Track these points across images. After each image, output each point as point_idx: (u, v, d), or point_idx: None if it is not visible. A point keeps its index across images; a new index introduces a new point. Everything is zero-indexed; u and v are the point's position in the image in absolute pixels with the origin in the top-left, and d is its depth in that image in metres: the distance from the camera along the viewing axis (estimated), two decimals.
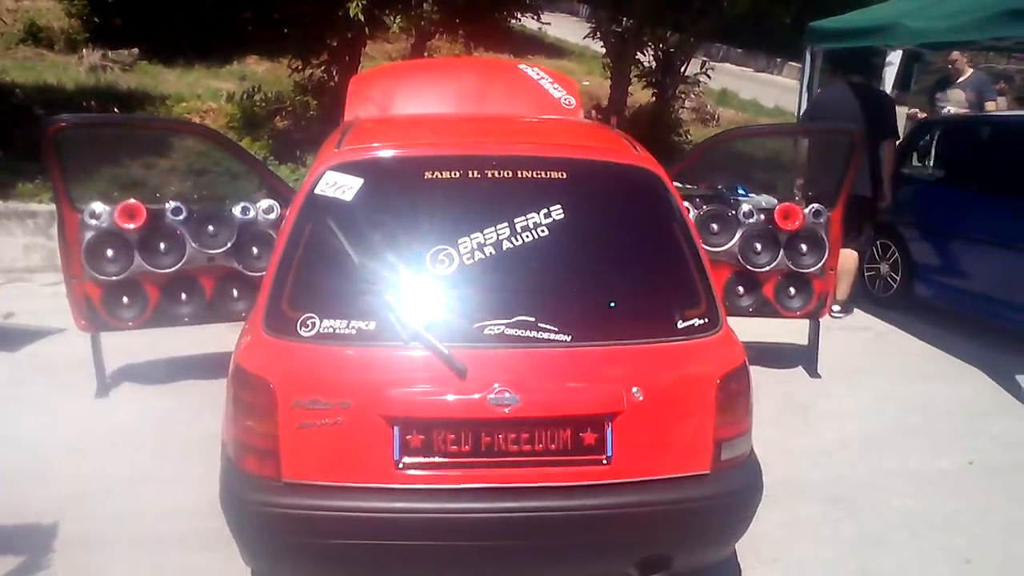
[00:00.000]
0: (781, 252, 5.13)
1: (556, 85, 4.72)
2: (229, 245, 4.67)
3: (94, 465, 4.05)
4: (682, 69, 11.67)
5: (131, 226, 4.52)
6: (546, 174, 2.96)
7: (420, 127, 3.75)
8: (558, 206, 2.85)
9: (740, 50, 22.93)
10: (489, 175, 2.93)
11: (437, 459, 2.60)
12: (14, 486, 3.83)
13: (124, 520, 3.61)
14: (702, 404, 2.74)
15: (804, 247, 5.16)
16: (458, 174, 2.92)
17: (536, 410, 2.61)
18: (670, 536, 2.77)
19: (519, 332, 2.66)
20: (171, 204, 4.66)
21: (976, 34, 6.45)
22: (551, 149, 3.22)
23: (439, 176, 2.91)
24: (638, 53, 11.37)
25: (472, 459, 2.61)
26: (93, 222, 4.51)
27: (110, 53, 12.14)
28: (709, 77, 12.23)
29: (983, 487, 4.15)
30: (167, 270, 4.61)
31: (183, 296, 4.71)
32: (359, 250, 2.72)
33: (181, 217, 4.63)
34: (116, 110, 9.50)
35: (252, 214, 4.72)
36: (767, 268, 5.13)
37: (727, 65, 20.27)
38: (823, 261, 5.15)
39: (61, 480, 3.91)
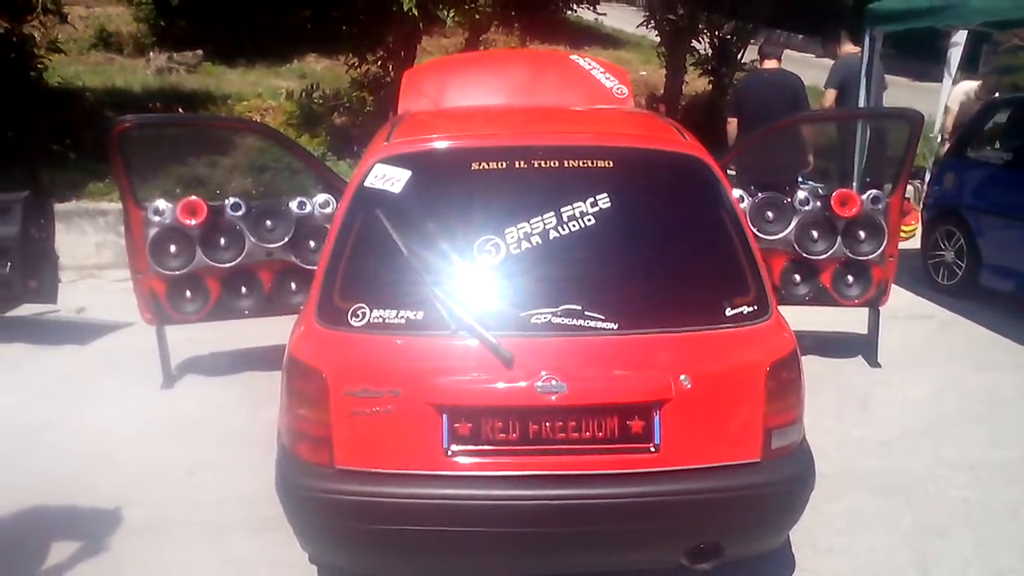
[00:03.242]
0: (839, 239, 5.04)
1: (608, 75, 4.71)
2: (287, 239, 4.78)
3: (159, 453, 4.19)
4: (739, 56, 11.49)
5: (192, 222, 4.66)
6: (593, 163, 2.97)
7: (468, 119, 3.78)
8: (605, 195, 2.85)
9: (801, 36, 22.42)
10: (536, 165, 2.95)
11: (485, 447, 2.64)
12: (84, 472, 4.00)
13: (186, 506, 3.73)
14: (751, 392, 2.72)
15: (862, 234, 5.07)
16: (505, 165, 2.95)
17: (583, 398, 2.63)
18: (720, 524, 2.75)
19: (566, 320, 2.67)
20: (230, 200, 4.80)
21: None
22: (598, 138, 3.22)
23: (486, 167, 2.94)
24: (693, 41, 11.23)
25: (520, 447, 2.64)
26: (156, 219, 4.66)
27: (175, 55, 12.47)
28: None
29: None
30: (227, 264, 4.74)
31: (243, 290, 4.85)
32: (408, 241, 2.76)
33: (240, 213, 4.76)
34: (180, 110, 9.75)
35: (308, 209, 4.83)
36: (824, 256, 5.05)
37: (789, 52, 19.81)
38: (882, 248, 5.05)
39: (127, 467, 4.06)
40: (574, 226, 2.80)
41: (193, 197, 4.75)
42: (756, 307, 2.82)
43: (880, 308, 5.34)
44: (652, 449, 2.66)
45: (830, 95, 7.86)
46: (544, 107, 4.13)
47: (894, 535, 3.55)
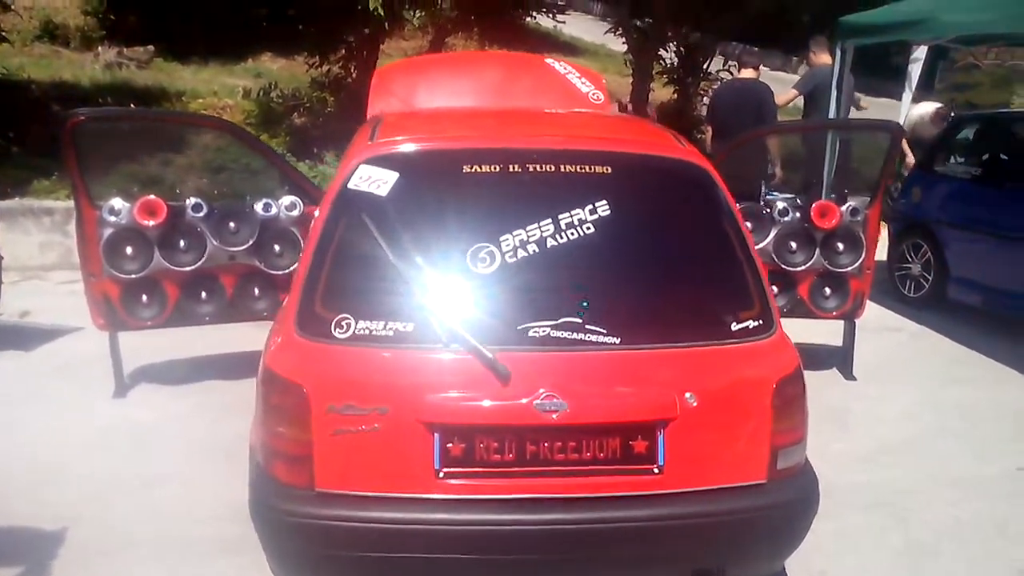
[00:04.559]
0: (817, 251, 4.98)
1: (584, 79, 4.61)
2: (251, 243, 4.55)
3: (110, 466, 3.94)
4: (705, 66, 11.52)
5: (151, 223, 4.41)
6: (591, 168, 2.81)
7: (454, 120, 3.61)
8: (604, 202, 2.71)
9: (756, 48, 22.69)
10: (531, 169, 2.78)
11: (479, 468, 2.47)
12: (30, 487, 3.73)
13: (142, 524, 3.50)
14: (758, 410, 2.60)
15: (841, 246, 5.01)
16: (498, 168, 2.78)
17: (585, 416, 2.48)
18: (724, 549, 2.63)
19: (566, 334, 2.52)
20: (191, 200, 4.55)
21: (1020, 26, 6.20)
22: (595, 142, 3.07)
23: (479, 170, 2.77)
24: (660, 50, 11.24)
25: (516, 468, 2.48)
26: (112, 219, 4.40)
27: (126, 50, 12.06)
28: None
29: None
30: (187, 268, 4.49)
31: (203, 295, 4.60)
32: (396, 247, 2.58)
33: (202, 214, 4.52)
34: (133, 106, 9.40)
35: (274, 211, 4.60)
36: (802, 267, 4.99)
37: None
38: (860, 260, 5.01)
39: (76, 481, 3.81)
40: (573, 234, 2.65)
41: (152, 196, 4.49)
42: (761, 321, 2.70)
43: (856, 320, 5.29)
44: (655, 470, 2.52)
45: (790, 94, 7.87)
46: (530, 109, 3.98)
47: (886, 554, 3.48)
